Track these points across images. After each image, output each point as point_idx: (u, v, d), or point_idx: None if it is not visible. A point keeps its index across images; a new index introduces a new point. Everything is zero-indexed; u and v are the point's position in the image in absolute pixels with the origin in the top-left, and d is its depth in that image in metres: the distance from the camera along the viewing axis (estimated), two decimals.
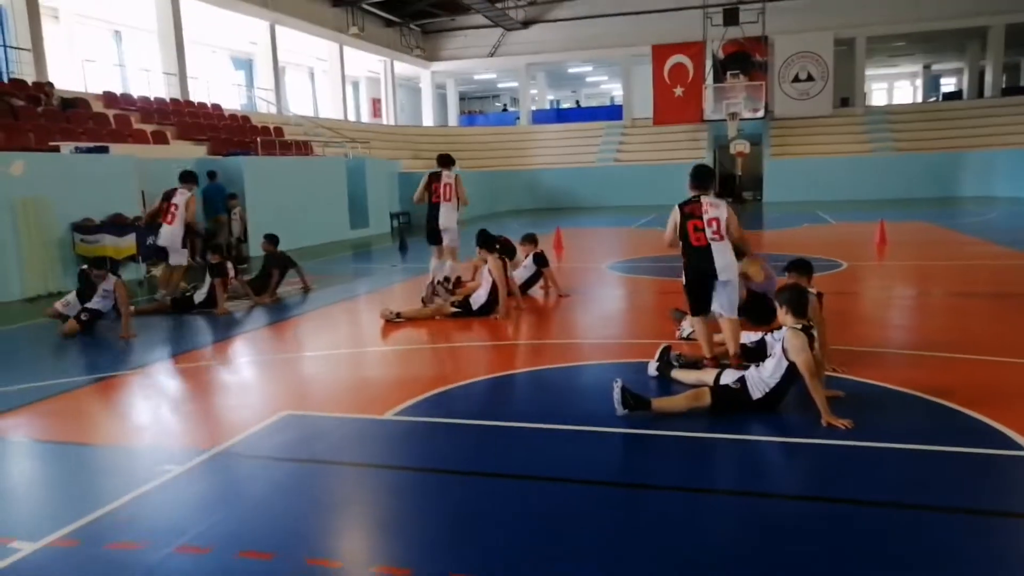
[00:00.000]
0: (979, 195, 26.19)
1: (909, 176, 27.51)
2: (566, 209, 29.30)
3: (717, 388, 4.83)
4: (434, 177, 9.39)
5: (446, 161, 9.58)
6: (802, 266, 5.84)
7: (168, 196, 9.81)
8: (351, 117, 33.65)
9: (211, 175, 14.48)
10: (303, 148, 20.47)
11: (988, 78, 30.36)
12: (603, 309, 8.82)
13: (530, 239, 9.54)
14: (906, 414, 4.66)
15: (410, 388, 5.45)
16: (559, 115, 38.85)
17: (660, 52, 31.94)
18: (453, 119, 39.13)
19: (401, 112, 38.90)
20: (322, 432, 4.69)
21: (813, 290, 5.56)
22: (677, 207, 5.70)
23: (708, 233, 5.52)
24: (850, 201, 26.54)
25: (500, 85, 42.19)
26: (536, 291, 9.52)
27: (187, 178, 9.96)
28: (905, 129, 29.71)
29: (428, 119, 36.99)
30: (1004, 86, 34.67)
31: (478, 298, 8.17)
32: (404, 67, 34.71)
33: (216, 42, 26.98)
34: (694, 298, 5.73)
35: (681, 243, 5.67)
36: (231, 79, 28.40)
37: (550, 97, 47.15)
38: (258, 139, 17.73)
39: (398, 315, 8.05)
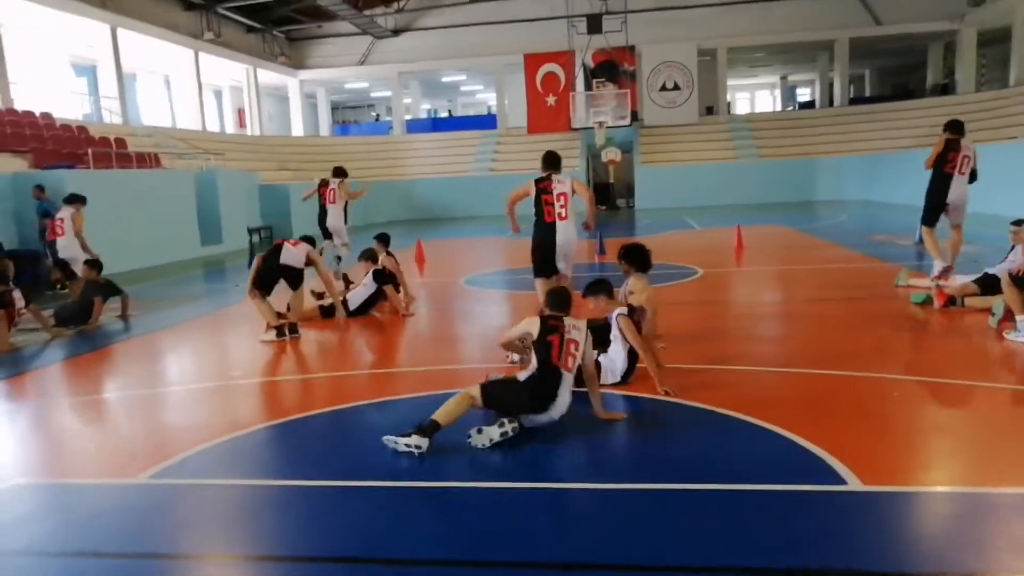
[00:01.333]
0: (832, 199, 27.50)
1: (771, 181, 28.59)
2: (441, 219, 28.70)
3: (486, 385, 4.53)
4: (323, 184, 11.34)
5: (336, 172, 11.47)
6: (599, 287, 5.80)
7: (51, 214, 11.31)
8: (214, 128, 31.88)
9: (39, 191, 13.14)
10: (149, 160, 18.93)
11: (836, 89, 32.07)
12: (444, 330, 8.24)
13: (367, 255, 8.85)
14: (732, 444, 4.30)
15: (188, 438, 4.64)
16: (434, 124, 38.27)
17: (532, 61, 31.96)
18: (325, 129, 37.78)
19: (269, 122, 37.19)
20: (55, 507, 3.84)
21: (624, 308, 5.46)
22: (532, 181, 6.72)
23: (557, 207, 6.57)
24: (717, 206, 27.25)
25: (374, 94, 41.15)
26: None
27: (71, 199, 10.77)
28: (766, 136, 30.94)
29: (298, 129, 35.50)
30: (852, 96, 36.80)
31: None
32: (270, 75, 33.15)
33: (52, 46, 24.71)
34: (538, 262, 6.76)
35: (535, 216, 6.67)
36: (72, 87, 26.14)
37: (426, 106, 46.51)
38: (90, 151, 16.10)
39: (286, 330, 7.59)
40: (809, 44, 32.47)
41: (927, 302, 7.74)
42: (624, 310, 5.48)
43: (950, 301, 7.54)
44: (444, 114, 46.57)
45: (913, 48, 33.12)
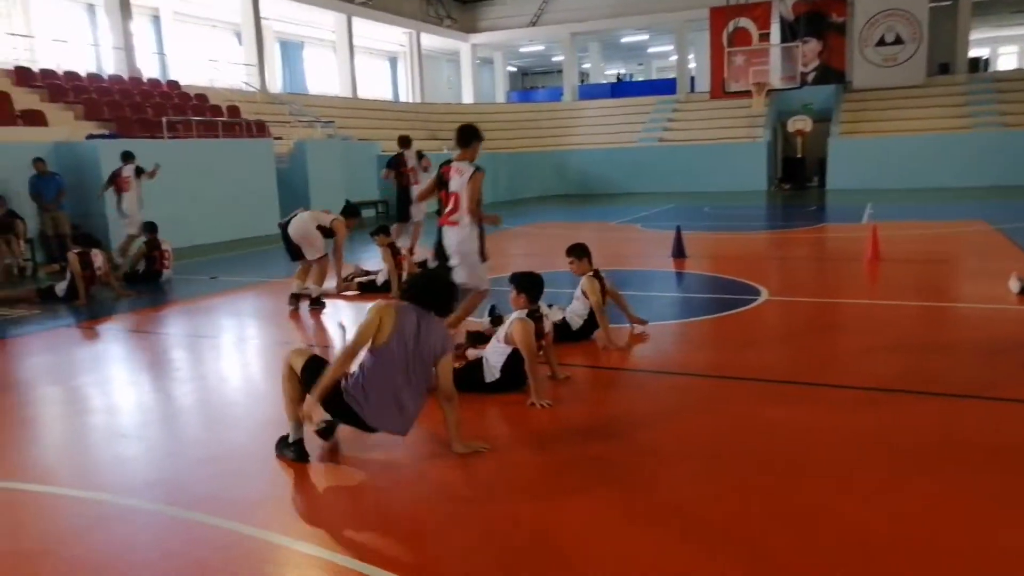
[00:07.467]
0: None
1: (1015, 158, 21.96)
2: (595, 196, 25.74)
3: None
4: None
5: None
6: None
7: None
8: (397, 96, 31.48)
9: (38, 164, 11.63)
10: (251, 129, 17.98)
11: None
12: None
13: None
14: None
15: None
16: (613, 90, 34.94)
17: (718, 15, 27.60)
18: (501, 95, 35.99)
19: (449, 90, 36.25)
20: None
21: None
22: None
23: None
24: (932, 189, 21.56)
25: (555, 58, 38.57)
26: None
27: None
28: (1016, 101, 23.88)
29: (468, 95, 34.02)
30: None
31: None
32: (443, 41, 32.00)
33: (208, 15, 25.23)
34: None
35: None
36: (234, 56, 26.62)
37: (618, 71, 43.12)
38: (164, 119, 15.36)
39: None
40: None
41: None
42: None
43: None
44: (640, 78, 42.90)
45: None
